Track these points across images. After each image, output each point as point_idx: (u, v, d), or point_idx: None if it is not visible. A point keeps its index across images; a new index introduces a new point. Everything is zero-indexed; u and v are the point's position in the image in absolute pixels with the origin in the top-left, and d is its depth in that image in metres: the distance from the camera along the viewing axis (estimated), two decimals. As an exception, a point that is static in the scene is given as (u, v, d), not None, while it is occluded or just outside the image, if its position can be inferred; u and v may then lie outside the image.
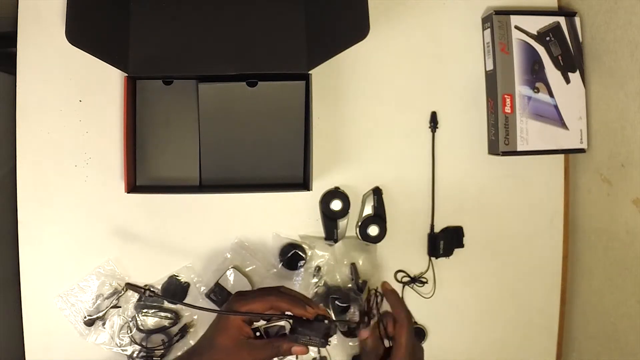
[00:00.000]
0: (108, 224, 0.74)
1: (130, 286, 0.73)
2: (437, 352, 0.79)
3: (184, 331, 0.75)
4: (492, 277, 0.80)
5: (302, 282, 0.76)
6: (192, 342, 0.75)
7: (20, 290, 0.73)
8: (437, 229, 0.79)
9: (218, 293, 0.75)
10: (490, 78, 0.77)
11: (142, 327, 0.74)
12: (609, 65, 0.72)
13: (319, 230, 0.77)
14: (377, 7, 0.68)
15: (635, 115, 0.67)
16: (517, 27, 0.75)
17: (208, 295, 0.75)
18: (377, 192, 0.77)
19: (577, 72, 0.76)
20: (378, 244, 0.77)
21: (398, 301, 0.61)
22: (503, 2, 0.78)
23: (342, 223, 0.76)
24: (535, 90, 0.75)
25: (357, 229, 0.77)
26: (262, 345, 0.56)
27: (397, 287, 0.79)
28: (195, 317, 0.75)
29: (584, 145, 0.77)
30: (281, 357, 0.57)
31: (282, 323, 0.57)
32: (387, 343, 0.60)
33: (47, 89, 0.73)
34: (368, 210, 0.77)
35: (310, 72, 0.69)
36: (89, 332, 0.73)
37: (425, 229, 0.79)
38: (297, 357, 0.62)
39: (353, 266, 0.77)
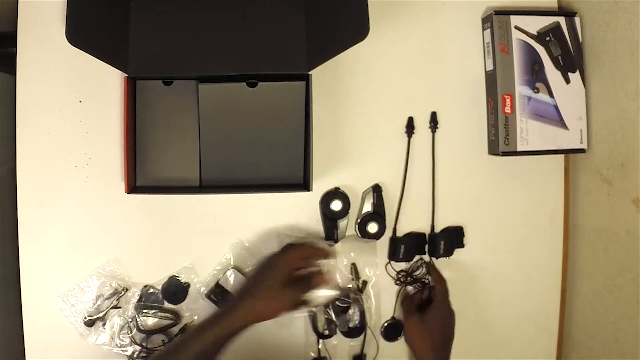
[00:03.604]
0: (108, 224, 0.74)
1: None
2: (437, 352, 0.79)
3: (184, 331, 0.75)
4: (492, 277, 0.80)
5: (302, 282, 0.76)
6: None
7: (20, 291, 0.73)
8: (437, 229, 0.79)
9: (218, 293, 0.75)
10: (490, 78, 0.77)
11: (142, 328, 0.74)
12: (609, 65, 0.72)
13: (319, 230, 0.77)
14: (377, 8, 0.68)
15: (635, 115, 0.67)
16: (517, 27, 0.75)
17: (208, 296, 0.75)
18: (376, 190, 0.77)
19: (577, 72, 0.76)
20: (379, 246, 0.77)
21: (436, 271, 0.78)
22: (503, 2, 0.78)
23: (342, 223, 0.76)
24: (535, 91, 0.75)
25: (356, 226, 0.77)
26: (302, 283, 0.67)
27: (397, 287, 0.79)
28: (196, 317, 0.75)
29: (584, 145, 0.77)
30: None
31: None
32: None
33: (47, 89, 0.73)
34: (367, 207, 0.77)
35: (310, 72, 0.69)
36: (89, 333, 0.73)
37: (426, 229, 0.79)
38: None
39: (353, 266, 0.77)
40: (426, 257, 0.79)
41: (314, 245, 0.72)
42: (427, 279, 0.79)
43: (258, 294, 0.64)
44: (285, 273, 0.65)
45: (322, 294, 0.68)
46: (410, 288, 0.79)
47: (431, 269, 0.78)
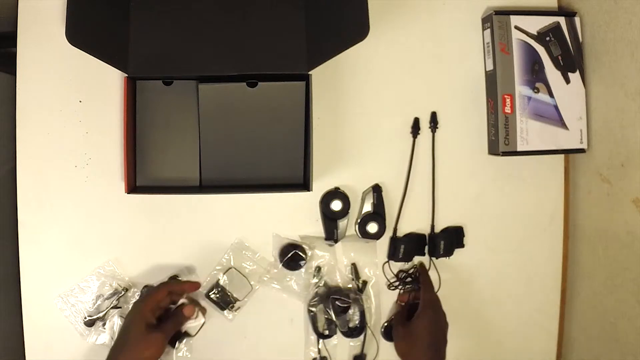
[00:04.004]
0: (108, 224, 0.74)
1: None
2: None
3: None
4: (492, 277, 0.80)
5: (302, 283, 0.76)
6: (191, 342, 0.75)
7: (20, 291, 0.73)
8: (437, 229, 0.79)
9: (218, 293, 0.75)
10: (490, 78, 0.77)
11: (142, 328, 0.74)
12: (609, 65, 0.72)
13: (319, 230, 0.77)
14: (377, 8, 0.68)
15: (635, 115, 0.67)
16: (517, 27, 0.75)
17: (208, 296, 0.75)
18: (376, 190, 0.77)
19: (577, 72, 0.76)
20: (379, 246, 0.77)
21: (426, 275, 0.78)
22: (503, 2, 0.78)
23: (342, 223, 0.76)
24: (535, 91, 0.75)
25: (356, 226, 0.77)
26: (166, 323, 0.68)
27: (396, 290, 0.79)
28: (196, 317, 0.76)
29: (584, 145, 0.77)
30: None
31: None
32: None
33: (47, 89, 0.73)
34: (367, 207, 0.77)
35: (310, 72, 0.69)
36: (89, 333, 0.73)
37: (426, 229, 0.79)
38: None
39: (353, 266, 0.77)
40: (426, 258, 0.79)
41: (175, 281, 0.74)
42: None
43: (127, 346, 0.64)
44: (148, 316, 0.65)
45: (196, 322, 0.73)
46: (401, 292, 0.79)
47: (421, 272, 0.77)
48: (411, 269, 0.78)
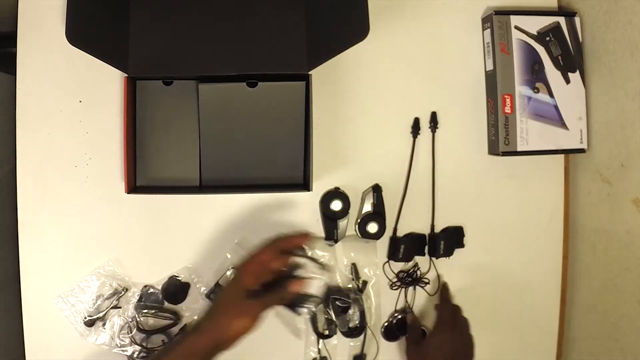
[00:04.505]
0: (108, 224, 0.74)
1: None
2: (437, 352, 0.78)
3: (184, 331, 0.75)
4: (492, 277, 0.80)
5: (302, 282, 0.76)
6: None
7: (20, 291, 0.73)
8: (437, 229, 0.79)
9: (218, 293, 0.75)
10: (490, 78, 0.77)
11: (142, 328, 0.74)
12: (609, 65, 0.72)
13: (319, 230, 0.77)
14: (377, 8, 0.68)
15: (635, 115, 0.67)
16: (517, 27, 0.75)
17: (208, 296, 0.75)
18: (376, 190, 0.77)
19: (577, 72, 0.76)
20: (379, 246, 0.78)
21: (445, 291, 0.79)
22: (503, 2, 0.78)
23: (342, 223, 0.76)
24: (535, 91, 0.75)
25: (356, 226, 0.77)
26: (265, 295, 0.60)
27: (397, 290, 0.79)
28: (196, 317, 0.75)
29: (584, 145, 0.77)
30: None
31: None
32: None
33: (47, 89, 0.73)
34: (367, 207, 0.77)
35: (310, 72, 0.69)
36: (89, 333, 0.74)
37: (426, 229, 0.79)
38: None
39: (353, 266, 0.77)
40: (426, 258, 0.79)
41: (280, 237, 0.64)
42: (427, 279, 0.79)
43: (216, 313, 0.57)
44: (248, 281, 0.58)
45: (318, 280, 0.63)
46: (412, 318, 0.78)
47: (442, 289, 0.78)
48: (411, 269, 0.79)
